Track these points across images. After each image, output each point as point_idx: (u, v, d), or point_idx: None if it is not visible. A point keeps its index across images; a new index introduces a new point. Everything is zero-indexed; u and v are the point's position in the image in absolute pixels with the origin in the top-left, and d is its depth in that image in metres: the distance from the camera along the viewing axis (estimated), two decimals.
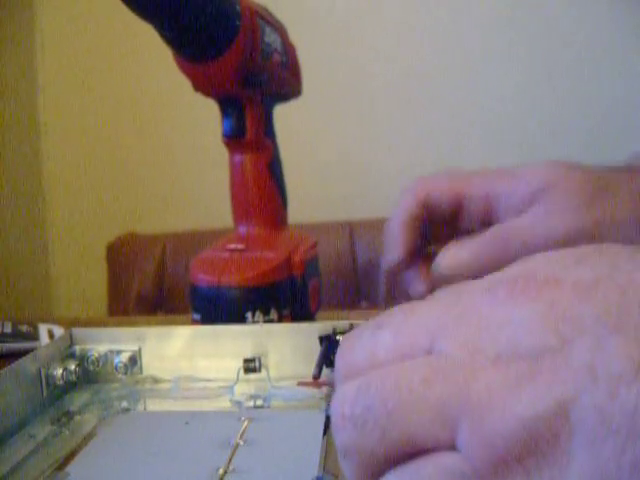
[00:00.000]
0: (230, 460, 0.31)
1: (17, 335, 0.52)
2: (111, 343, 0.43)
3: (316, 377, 0.38)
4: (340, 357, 0.23)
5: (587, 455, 0.17)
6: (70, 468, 0.32)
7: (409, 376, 0.19)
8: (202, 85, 0.52)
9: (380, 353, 0.21)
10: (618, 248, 0.21)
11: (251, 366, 0.42)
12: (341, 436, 0.20)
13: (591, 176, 0.42)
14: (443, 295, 0.22)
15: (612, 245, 0.21)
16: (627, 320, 0.18)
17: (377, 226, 1.24)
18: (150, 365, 0.43)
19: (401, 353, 0.21)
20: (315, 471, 0.30)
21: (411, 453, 0.19)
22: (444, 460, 0.18)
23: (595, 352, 0.17)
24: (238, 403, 0.40)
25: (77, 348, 0.43)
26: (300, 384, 0.41)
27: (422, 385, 0.19)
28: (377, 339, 0.21)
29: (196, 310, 0.51)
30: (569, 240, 0.39)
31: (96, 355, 0.42)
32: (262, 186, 0.57)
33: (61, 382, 0.40)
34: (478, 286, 0.21)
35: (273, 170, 0.57)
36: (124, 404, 0.40)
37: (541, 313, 0.19)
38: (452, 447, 0.18)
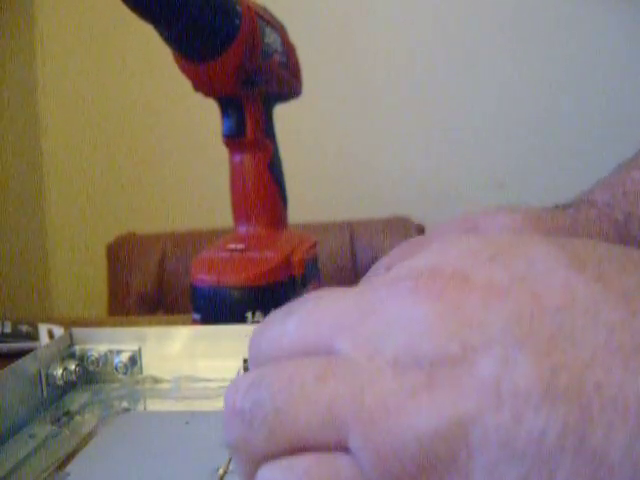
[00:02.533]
0: (230, 460, 0.31)
1: (17, 335, 0.52)
2: (111, 343, 0.43)
3: None
4: (250, 342, 0.21)
5: None
6: (70, 468, 0.32)
7: (303, 372, 0.18)
8: (202, 85, 0.52)
9: (284, 343, 0.19)
10: (538, 240, 0.19)
11: None
12: (229, 431, 0.18)
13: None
14: (359, 286, 0.20)
15: (532, 237, 0.19)
16: (539, 331, 0.16)
17: (377, 226, 1.24)
18: (150, 365, 0.43)
19: (303, 346, 0.19)
20: None
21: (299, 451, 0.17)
22: (336, 463, 0.17)
23: (501, 367, 0.16)
24: None
25: (77, 348, 0.42)
26: None
27: (315, 383, 0.17)
28: (284, 327, 0.20)
29: (196, 310, 0.51)
30: None
31: (96, 355, 0.42)
32: (262, 186, 0.56)
33: (61, 382, 0.40)
34: (383, 278, 0.19)
35: (273, 170, 0.57)
36: (124, 404, 0.40)
37: (443, 315, 0.17)
38: (342, 449, 0.17)
